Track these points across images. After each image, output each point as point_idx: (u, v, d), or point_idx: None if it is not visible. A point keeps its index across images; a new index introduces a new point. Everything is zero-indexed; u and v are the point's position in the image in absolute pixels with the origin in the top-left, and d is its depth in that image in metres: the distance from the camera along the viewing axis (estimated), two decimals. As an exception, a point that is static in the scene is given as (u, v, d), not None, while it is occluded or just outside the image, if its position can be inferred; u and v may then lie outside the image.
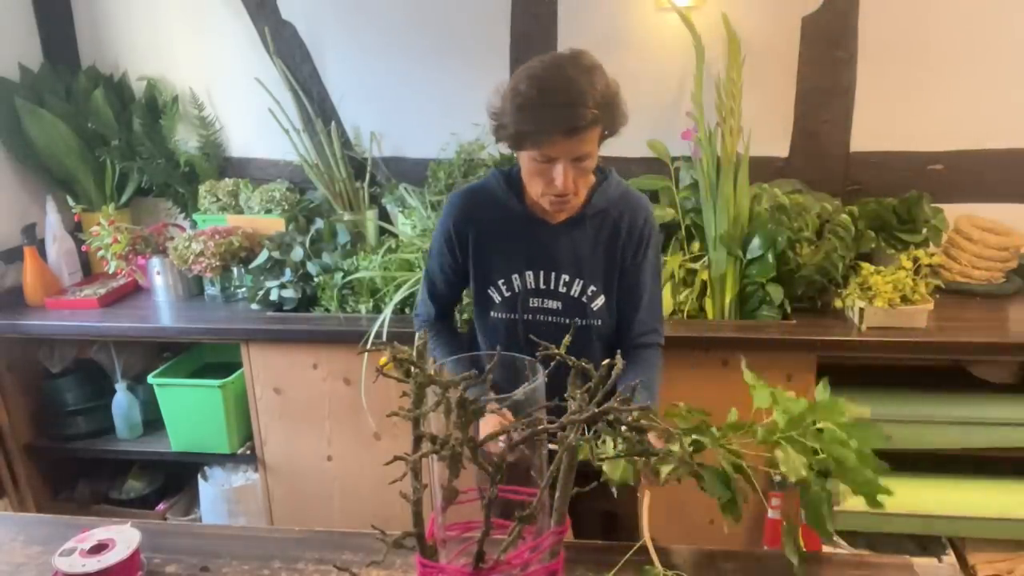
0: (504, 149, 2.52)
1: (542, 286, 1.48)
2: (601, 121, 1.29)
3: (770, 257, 2.10)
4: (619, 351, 1.45)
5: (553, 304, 1.49)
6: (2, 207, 2.53)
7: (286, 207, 2.57)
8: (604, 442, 1.09)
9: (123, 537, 1.16)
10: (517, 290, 1.49)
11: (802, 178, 2.40)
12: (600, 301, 1.49)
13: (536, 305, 1.49)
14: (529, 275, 1.48)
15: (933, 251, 2.21)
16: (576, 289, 1.48)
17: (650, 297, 1.52)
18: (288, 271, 2.35)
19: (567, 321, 1.48)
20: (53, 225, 2.55)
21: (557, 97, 1.25)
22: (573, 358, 0.93)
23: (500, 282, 1.49)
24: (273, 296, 2.32)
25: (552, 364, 0.96)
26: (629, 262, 1.48)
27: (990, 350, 1.99)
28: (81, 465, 2.65)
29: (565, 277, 1.47)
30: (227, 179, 2.66)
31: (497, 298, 1.50)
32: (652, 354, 1.52)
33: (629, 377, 1.37)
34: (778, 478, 2.05)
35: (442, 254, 1.55)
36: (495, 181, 1.51)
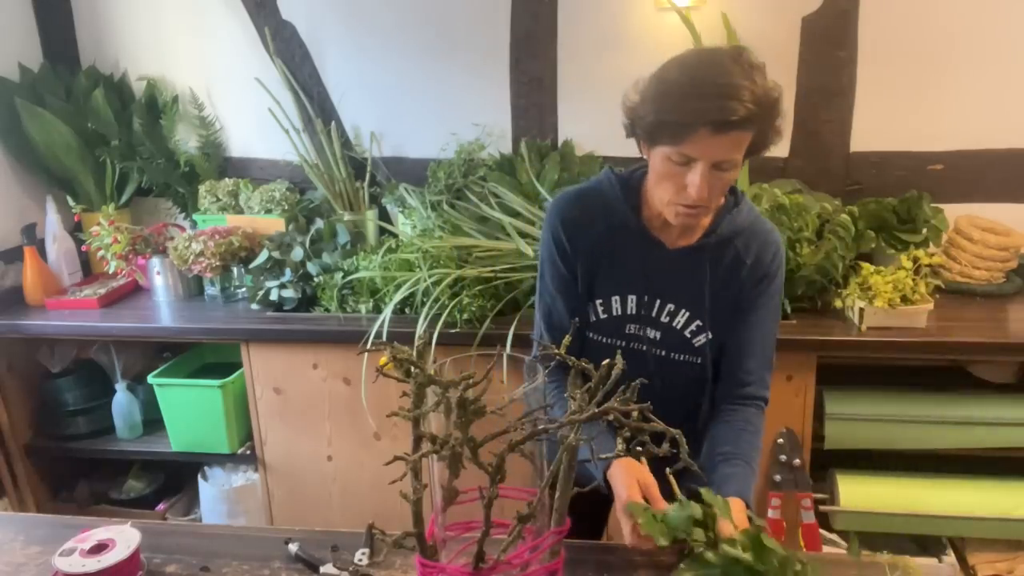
0: (505, 148, 2.53)
1: (643, 312, 1.33)
2: (755, 124, 1.11)
3: (770, 257, 2.10)
4: (713, 400, 1.38)
5: (652, 333, 1.34)
6: (2, 207, 2.53)
7: (286, 207, 2.57)
8: None
9: (123, 537, 1.16)
10: (615, 313, 1.34)
11: (802, 178, 2.40)
12: (703, 339, 1.33)
13: (632, 331, 1.34)
14: (632, 299, 1.33)
15: (933, 251, 2.21)
16: (680, 321, 1.33)
17: (763, 343, 1.35)
18: (288, 271, 2.35)
19: (663, 353, 1.34)
20: (53, 225, 2.55)
21: (709, 87, 1.09)
22: (573, 357, 0.93)
23: (598, 302, 1.34)
24: (273, 296, 2.32)
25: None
26: (746, 298, 1.32)
27: (990, 350, 1.98)
28: (81, 465, 2.65)
29: (670, 307, 1.32)
30: (227, 179, 2.66)
31: (593, 318, 1.36)
32: (756, 416, 1.34)
33: (730, 440, 1.28)
34: (778, 478, 2.05)
35: (555, 268, 1.35)
36: (609, 184, 1.33)
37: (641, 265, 1.32)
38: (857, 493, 2.09)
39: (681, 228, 1.29)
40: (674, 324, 1.33)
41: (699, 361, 1.35)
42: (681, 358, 1.35)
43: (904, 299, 2.00)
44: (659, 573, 1.16)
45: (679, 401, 1.36)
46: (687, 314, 1.32)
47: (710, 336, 1.33)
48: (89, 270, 2.72)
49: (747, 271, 1.31)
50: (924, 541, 2.16)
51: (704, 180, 1.14)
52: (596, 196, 1.34)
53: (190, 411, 2.33)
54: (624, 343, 1.35)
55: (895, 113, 2.35)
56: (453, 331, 2.05)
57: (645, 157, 1.25)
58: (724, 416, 1.34)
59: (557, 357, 0.93)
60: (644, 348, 1.35)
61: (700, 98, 1.09)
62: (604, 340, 1.35)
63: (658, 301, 1.32)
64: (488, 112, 2.54)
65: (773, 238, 1.33)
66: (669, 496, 1.11)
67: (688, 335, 1.34)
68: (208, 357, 2.56)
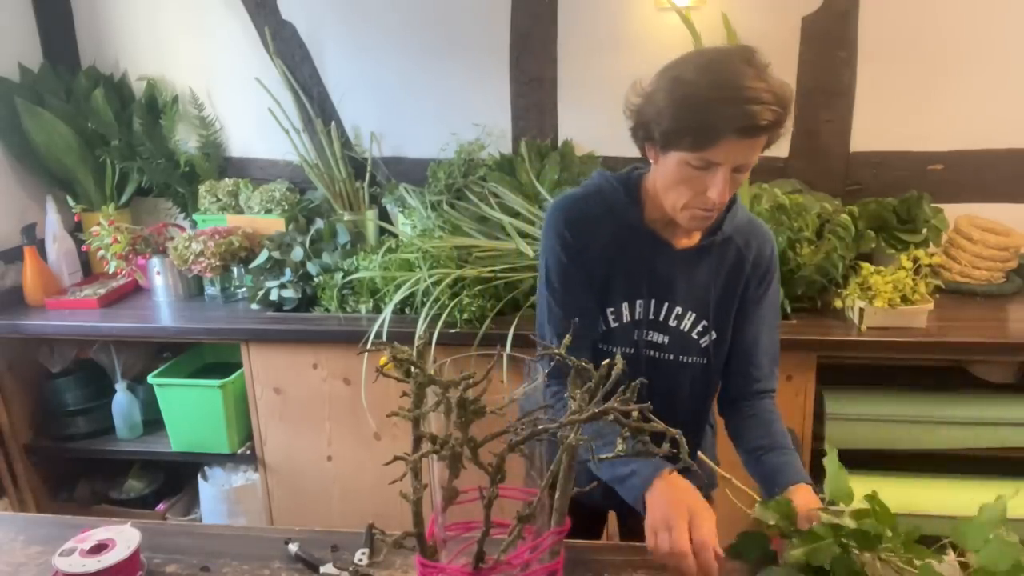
0: (505, 148, 2.53)
1: (651, 317, 1.30)
2: (778, 125, 1.10)
3: (770, 257, 2.10)
4: (723, 398, 1.39)
5: (660, 338, 1.32)
6: (2, 207, 2.53)
7: (286, 207, 2.57)
8: None
9: (123, 537, 1.16)
10: (626, 320, 1.30)
11: (802, 178, 2.40)
12: (710, 339, 1.32)
13: (641, 338, 1.32)
14: (640, 304, 1.29)
15: (933, 251, 2.22)
16: (687, 323, 1.31)
17: (768, 337, 1.35)
18: (288, 271, 2.35)
19: (671, 357, 1.32)
20: (53, 225, 2.55)
21: (732, 91, 1.06)
22: (573, 358, 0.93)
23: (609, 310, 1.30)
24: (273, 296, 2.32)
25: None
26: (750, 297, 1.32)
27: (990, 350, 1.99)
28: (81, 465, 2.65)
29: (678, 309, 1.30)
30: (227, 179, 2.66)
31: (603, 327, 1.32)
32: (772, 404, 1.35)
33: (762, 432, 1.29)
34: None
35: (565, 271, 1.29)
36: (610, 186, 1.29)
37: (649, 268, 1.29)
38: (857, 493, 2.08)
39: (686, 230, 1.27)
40: (681, 327, 1.31)
41: (705, 362, 1.34)
42: (689, 360, 1.33)
43: (904, 299, 2.00)
44: (659, 573, 1.16)
45: (687, 404, 1.36)
46: (693, 316, 1.31)
47: (714, 336, 1.32)
48: (89, 270, 2.72)
49: (750, 268, 1.31)
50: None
51: (726, 184, 1.13)
52: (599, 198, 1.30)
53: (190, 411, 2.33)
54: (633, 350, 1.32)
55: (895, 113, 2.35)
56: (453, 331, 2.05)
57: (652, 161, 1.22)
58: (744, 412, 1.34)
59: (555, 362, 0.92)
60: (653, 354, 1.33)
61: (725, 104, 1.06)
62: (613, 349, 1.31)
63: (666, 305, 1.30)
64: (488, 112, 2.54)
65: (769, 234, 1.35)
66: None
67: (695, 336, 1.32)
68: (208, 357, 2.56)
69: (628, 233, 1.28)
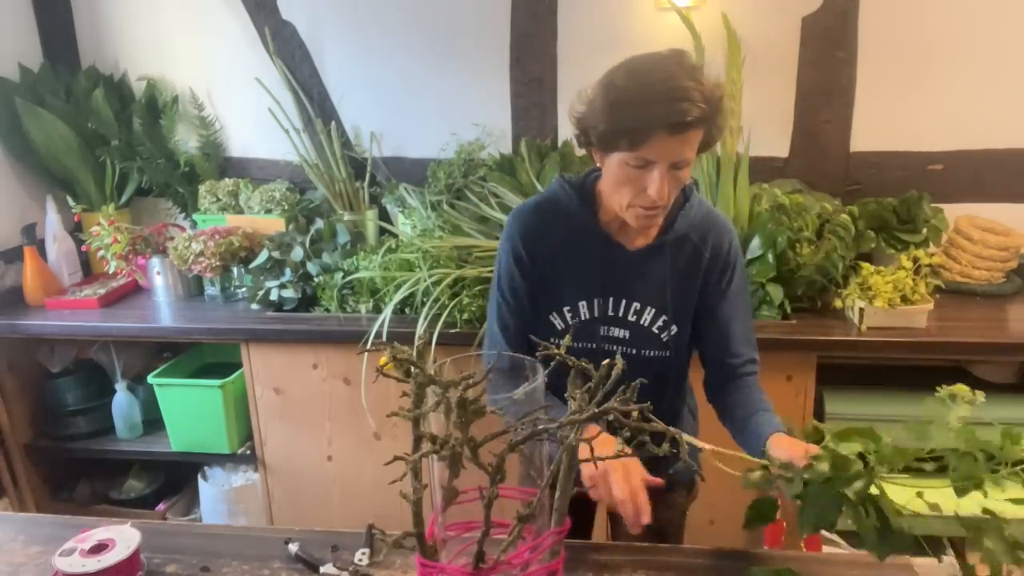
0: (505, 148, 2.53)
1: (610, 313, 1.36)
2: (706, 122, 1.16)
3: (770, 257, 2.10)
4: (715, 384, 1.42)
5: (620, 333, 1.38)
6: (2, 207, 2.53)
7: (286, 207, 2.57)
8: None
9: (123, 537, 1.16)
10: (583, 317, 1.37)
11: (802, 178, 2.40)
12: (671, 332, 1.37)
13: (603, 333, 1.38)
14: (597, 302, 1.36)
15: (933, 251, 2.22)
16: (647, 318, 1.36)
17: (741, 324, 1.39)
18: (288, 271, 2.35)
19: (634, 351, 1.37)
20: (53, 225, 2.55)
21: (660, 91, 1.13)
22: (573, 357, 0.93)
23: (565, 309, 1.37)
24: (273, 296, 2.32)
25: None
26: (712, 289, 1.37)
27: (990, 350, 1.99)
28: (81, 465, 2.65)
29: (636, 305, 1.36)
30: (227, 179, 2.66)
31: (559, 325, 1.38)
32: (754, 379, 1.39)
33: (743, 402, 1.33)
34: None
35: (512, 278, 1.38)
36: (564, 193, 1.37)
37: (604, 268, 1.35)
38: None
39: (640, 228, 1.32)
40: (641, 322, 1.37)
41: (668, 355, 1.39)
42: (651, 354, 1.38)
43: (904, 299, 2.00)
44: (659, 573, 1.16)
45: (649, 394, 1.38)
46: (653, 311, 1.36)
47: (675, 330, 1.37)
48: (89, 270, 2.72)
49: (707, 263, 1.35)
50: (925, 541, 2.16)
51: (664, 181, 1.18)
52: (553, 205, 1.37)
53: (190, 411, 2.33)
54: (595, 345, 1.38)
55: (895, 113, 2.35)
56: (453, 331, 2.05)
57: (599, 165, 1.29)
58: (728, 393, 1.39)
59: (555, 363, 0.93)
60: (615, 348, 1.38)
61: (653, 103, 1.13)
62: (576, 344, 1.37)
63: (624, 301, 1.36)
64: (488, 112, 2.54)
65: (727, 227, 1.38)
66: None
67: (656, 331, 1.37)
68: (208, 357, 2.56)
69: (582, 235, 1.34)
